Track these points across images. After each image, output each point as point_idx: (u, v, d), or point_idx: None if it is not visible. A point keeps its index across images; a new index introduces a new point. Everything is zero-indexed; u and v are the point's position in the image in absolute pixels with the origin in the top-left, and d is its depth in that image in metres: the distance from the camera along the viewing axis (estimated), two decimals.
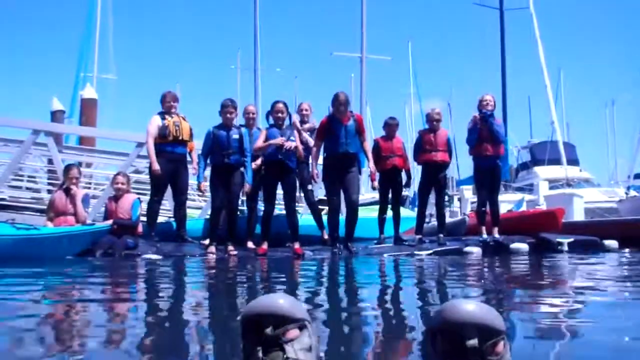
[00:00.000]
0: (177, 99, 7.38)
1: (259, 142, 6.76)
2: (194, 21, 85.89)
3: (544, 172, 20.24)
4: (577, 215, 12.01)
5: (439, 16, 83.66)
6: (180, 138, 7.17)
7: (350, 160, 6.85)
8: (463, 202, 16.64)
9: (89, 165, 12.06)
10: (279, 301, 1.08)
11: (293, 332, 1.07)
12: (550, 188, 16.75)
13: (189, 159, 7.51)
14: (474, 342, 0.98)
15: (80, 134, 13.31)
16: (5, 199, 9.55)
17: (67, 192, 6.74)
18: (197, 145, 7.47)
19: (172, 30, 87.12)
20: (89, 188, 11.12)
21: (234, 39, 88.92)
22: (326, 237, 7.42)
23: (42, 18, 69.66)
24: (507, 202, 13.18)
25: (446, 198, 20.40)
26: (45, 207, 8.55)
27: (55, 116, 13.28)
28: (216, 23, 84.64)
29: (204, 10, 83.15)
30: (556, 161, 18.32)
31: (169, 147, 7.12)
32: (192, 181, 8.45)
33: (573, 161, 21.00)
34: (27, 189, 11.12)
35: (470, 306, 1.02)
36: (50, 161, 9.88)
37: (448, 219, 10.84)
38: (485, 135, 7.47)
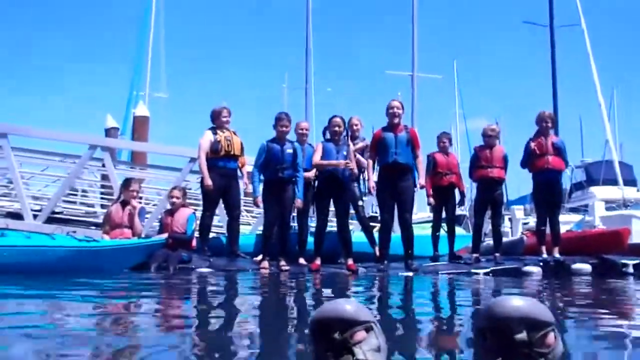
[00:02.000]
0: (231, 113, 7.41)
1: (317, 157, 6.72)
2: (244, 38, 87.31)
3: (600, 192, 19.59)
4: (637, 237, 11.54)
5: (489, 35, 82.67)
6: (232, 153, 7.19)
7: (401, 172, 6.72)
8: (514, 222, 16.16)
9: (141, 181, 12.24)
10: (345, 306, 1.11)
11: (360, 334, 1.09)
12: (607, 209, 16.18)
13: (239, 174, 7.52)
14: (522, 335, 0.98)
15: (135, 149, 13.56)
16: (62, 212, 9.75)
17: (124, 205, 6.82)
18: (249, 160, 7.48)
19: (222, 48, 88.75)
20: (140, 203, 11.28)
21: (285, 57, 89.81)
22: (378, 252, 7.29)
23: (97, 38, 72.03)
24: (563, 223, 12.78)
25: None
26: (98, 220, 8.74)
27: (110, 133, 13.58)
28: (267, 41, 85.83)
29: (255, 28, 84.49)
30: (612, 181, 17.70)
31: (221, 162, 7.14)
32: (244, 198, 8.46)
33: (630, 181, 20.26)
34: (81, 203, 11.36)
35: (516, 301, 1.02)
36: (103, 176, 10.07)
37: (507, 238, 10.58)
38: (546, 148, 7.24)
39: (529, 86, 61.64)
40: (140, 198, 11.49)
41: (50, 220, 8.75)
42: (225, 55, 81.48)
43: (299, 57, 20.65)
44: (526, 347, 0.98)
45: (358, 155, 7.23)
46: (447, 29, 76.29)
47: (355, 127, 7.60)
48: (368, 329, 1.10)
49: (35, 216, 8.73)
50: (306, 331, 2.56)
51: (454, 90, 36.72)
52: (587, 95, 17.56)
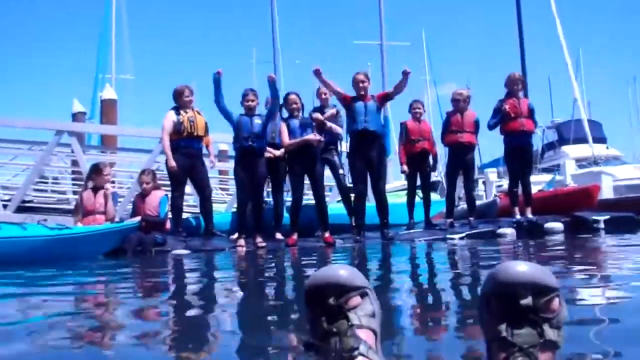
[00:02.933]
0: (193, 92, 7.30)
1: (285, 138, 6.72)
2: (209, 17, 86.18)
3: (571, 151, 19.85)
4: (607, 193, 11.78)
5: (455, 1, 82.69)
6: (195, 133, 7.12)
7: (371, 139, 6.74)
8: (488, 185, 16.37)
9: (112, 164, 12.08)
10: (339, 271, 1.10)
11: (355, 300, 1.08)
12: (578, 167, 16.44)
13: (205, 152, 7.49)
14: (527, 301, 0.98)
15: (103, 132, 13.37)
16: (32, 201, 9.60)
17: (95, 191, 6.72)
18: (215, 138, 7.43)
19: (187, 27, 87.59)
20: (113, 187, 11.16)
21: (251, 33, 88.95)
22: (354, 223, 7.33)
23: (59, 20, 70.43)
24: (534, 183, 12.95)
25: None
26: (70, 207, 8.61)
27: (77, 118, 13.34)
28: (232, 18, 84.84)
29: (219, 5, 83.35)
30: (583, 140, 17.95)
31: (184, 142, 7.07)
32: (215, 175, 8.41)
33: (600, 139, 20.53)
34: (53, 190, 11.19)
35: (521, 266, 1.01)
36: (73, 162, 9.91)
37: (477, 202, 10.70)
38: (520, 110, 7.27)
39: (498, 49, 62.05)
40: (113, 182, 11.37)
41: (20, 209, 8.61)
42: (191, 34, 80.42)
43: (266, 32, 20.40)
44: (531, 312, 0.98)
45: (331, 124, 7.21)
46: None
47: (324, 96, 7.56)
48: (363, 295, 1.10)
49: (5, 206, 8.57)
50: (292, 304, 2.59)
51: (423, 58, 36.67)
52: (555, 55, 17.61)
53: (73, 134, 8.98)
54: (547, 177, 16.16)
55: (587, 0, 77.73)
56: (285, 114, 7.02)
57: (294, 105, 6.83)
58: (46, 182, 11.53)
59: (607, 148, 19.52)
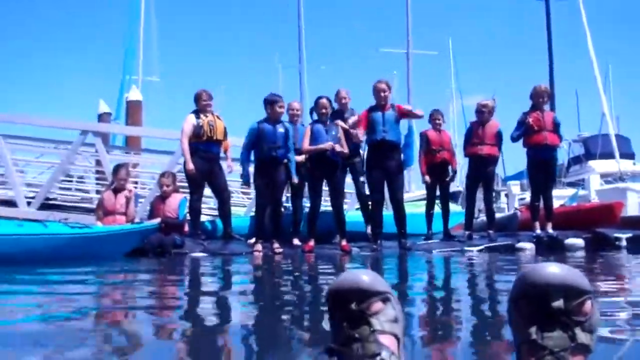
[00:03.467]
0: (212, 97, 7.37)
1: (305, 143, 6.72)
2: (236, 20, 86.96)
3: (597, 166, 19.57)
4: (632, 210, 11.58)
5: (483, 11, 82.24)
6: (215, 137, 7.17)
7: (389, 150, 6.70)
8: (510, 198, 16.24)
9: (135, 165, 12.24)
10: (361, 276, 1.10)
11: (377, 305, 1.08)
12: (605, 182, 16.19)
13: (222, 155, 7.54)
14: (559, 303, 0.96)
15: (127, 133, 13.54)
16: (56, 198, 9.75)
17: (116, 192, 6.81)
18: (234, 142, 7.48)
19: (214, 31, 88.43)
20: (136, 188, 11.30)
21: (278, 37, 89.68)
22: (369, 231, 7.35)
23: (88, 21, 71.68)
24: (557, 197, 12.78)
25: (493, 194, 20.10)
26: (93, 206, 8.73)
27: (102, 118, 13.52)
28: (259, 21, 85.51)
29: (246, 9, 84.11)
30: (610, 155, 17.68)
31: (203, 146, 7.12)
32: (234, 179, 8.47)
33: (628, 155, 20.20)
34: (77, 189, 11.37)
35: (553, 268, 0.99)
36: (98, 162, 10.05)
37: (498, 215, 10.59)
38: (544, 124, 7.17)
39: (526, 61, 61.47)
40: (136, 183, 11.52)
41: (44, 207, 8.75)
42: (217, 37, 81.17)
43: (292, 37, 20.51)
44: (563, 315, 0.96)
45: (352, 130, 7.20)
46: (442, 5, 75.95)
47: (343, 101, 7.56)
48: (385, 300, 1.10)
49: (29, 203, 8.72)
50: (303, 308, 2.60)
51: (449, 67, 36.50)
52: (583, 69, 17.38)
53: (97, 134, 9.11)
54: (572, 191, 15.95)
55: (619, 14, 76.52)
56: (315, 117, 6.99)
57: (324, 110, 6.80)
58: (71, 181, 11.72)
59: (634, 164, 19.19)
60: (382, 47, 26.61)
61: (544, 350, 0.94)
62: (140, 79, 22.67)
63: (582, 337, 0.96)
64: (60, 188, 10.74)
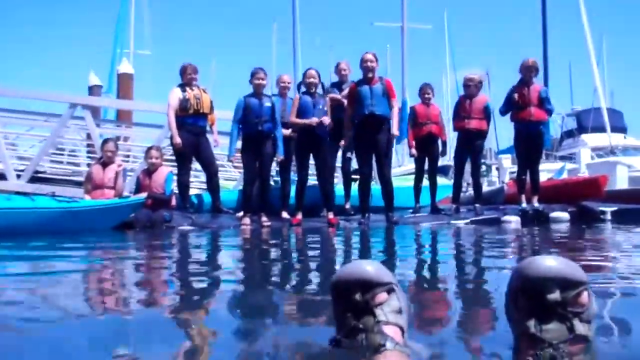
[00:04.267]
0: (197, 70, 7.34)
1: (292, 115, 6.72)
2: None
3: (590, 139, 19.62)
4: (621, 183, 11.65)
5: None
6: (201, 111, 7.16)
7: (377, 123, 6.68)
8: (501, 171, 16.22)
9: (126, 139, 12.21)
10: (366, 267, 1.10)
11: (381, 296, 1.08)
12: (597, 156, 16.25)
13: (209, 129, 7.55)
14: (555, 295, 0.97)
15: (116, 106, 13.50)
16: (45, 172, 9.75)
17: (104, 165, 6.82)
18: (224, 115, 7.47)
19: (207, 4, 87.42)
20: (127, 162, 11.30)
21: (271, 10, 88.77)
22: (347, 206, 7.53)
23: None
24: (548, 170, 12.85)
25: (483, 167, 20.15)
26: (83, 180, 8.74)
27: (93, 91, 13.51)
28: None
29: None
30: (602, 128, 17.70)
31: (190, 119, 7.14)
32: (222, 152, 8.48)
33: (621, 128, 20.24)
34: (68, 162, 11.35)
35: (548, 260, 1.00)
36: (89, 135, 10.03)
37: (486, 188, 10.65)
38: (529, 99, 7.20)
39: (520, 34, 61.10)
40: (127, 157, 11.51)
41: (33, 180, 8.76)
42: (211, 10, 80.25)
43: (287, 11, 20.28)
44: (560, 307, 0.97)
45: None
46: None
47: (343, 72, 7.56)
48: (389, 291, 1.09)
49: (18, 176, 8.73)
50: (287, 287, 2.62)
51: (444, 41, 36.21)
52: (577, 41, 17.25)
53: (87, 107, 9.07)
54: (560, 165, 16.01)
55: None
56: (303, 89, 6.96)
57: (312, 80, 6.76)
58: (62, 154, 11.70)
59: (625, 137, 19.24)
60: (376, 21, 26.36)
61: (543, 343, 0.95)
62: (132, 52, 22.51)
63: (580, 328, 0.96)
64: (51, 161, 10.75)
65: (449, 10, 38.53)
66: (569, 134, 22.95)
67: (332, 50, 40.65)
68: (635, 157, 16.12)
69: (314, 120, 6.60)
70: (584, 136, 20.61)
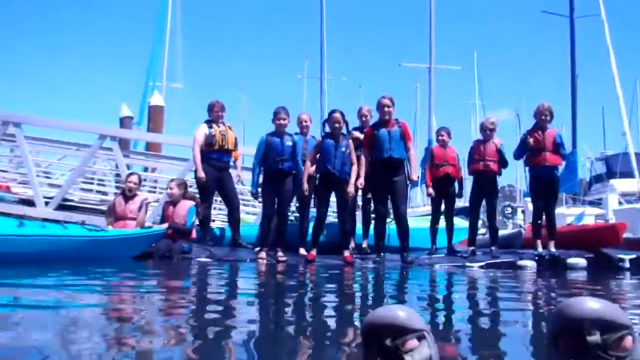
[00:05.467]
0: (224, 108, 7.58)
1: (312, 157, 6.83)
2: (261, 31, 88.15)
3: (620, 185, 19.33)
4: None
5: (508, 25, 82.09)
6: (226, 147, 7.38)
7: (395, 167, 6.81)
8: (527, 214, 16.11)
9: (154, 170, 12.51)
10: (398, 312, 1.10)
11: (412, 343, 1.07)
12: (626, 202, 16.00)
13: (232, 165, 7.73)
14: (595, 337, 0.96)
15: (143, 139, 13.85)
16: (74, 200, 10.05)
17: (127, 197, 7.03)
18: (249, 151, 7.67)
19: (239, 40, 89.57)
20: (154, 192, 11.58)
21: (301, 48, 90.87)
22: (365, 245, 7.62)
23: (115, 28, 73.17)
24: (568, 215, 12.76)
25: (509, 210, 19.99)
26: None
27: (124, 122, 13.88)
28: (283, 32, 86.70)
29: (271, 20, 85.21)
30: (631, 174, 17.47)
31: (215, 155, 7.35)
32: (246, 187, 8.67)
33: None
34: (97, 191, 11.68)
35: (589, 302, 1.00)
36: (117, 166, 10.33)
37: (505, 232, 10.61)
38: (543, 144, 7.24)
39: (550, 76, 60.83)
40: (155, 188, 11.81)
41: (61, 207, 9.04)
42: (244, 46, 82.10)
43: (315, 47, 20.68)
44: (600, 349, 0.95)
45: None
46: (466, 20, 75.73)
47: (364, 118, 7.67)
48: (420, 338, 1.09)
49: (46, 203, 9.01)
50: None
51: (473, 82, 36.39)
52: (610, 85, 17.11)
53: (115, 138, 9.38)
54: (593, 210, 15.82)
55: None
56: (327, 129, 6.94)
57: (337, 125, 6.76)
58: (92, 183, 12.04)
59: None
60: (403, 62, 26.65)
61: None
62: (164, 85, 23.03)
63: None
64: (81, 189, 11.09)
65: (478, 52, 38.67)
66: (597, 178, 22.65)
67: (362, 88, 40.88)
68: None
69: (304, 188, 6.74)
70: (612, 181, 20.28)
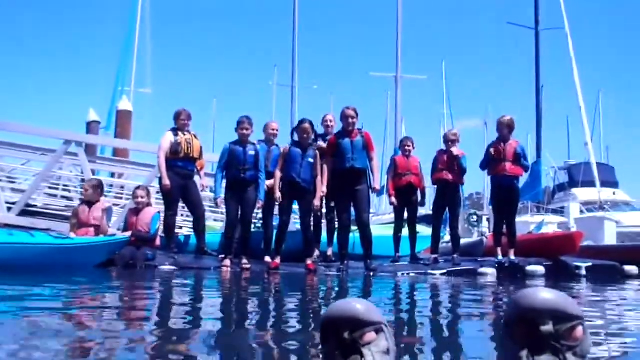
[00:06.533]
0: (190, 117, 7.58)
1: (279, 166, 6.89)
2: (232, 38, 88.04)
3: (581, 193, 19.80)
4: (609, 239, 11.74)
5: (476, 35, 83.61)
6: (191, 155, 7.40)
7: (357, 176, 6.89)
8: (492, 222, 16.40)
9: (121, 175, 12.42)
10: (356, 305, 1.10)
11: (370, 336, 1.08)
12: (587, 210, 16.39)
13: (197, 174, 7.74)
14: (548, 327, 0.98)
15: (108, 145, 13.71)
16: (37, 205, 9.91)
17: (90, 204, 6.98)
18: (213, 158, 7.69)
19: (209, 47, 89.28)
20: (121, 198, 11.49)
21: (272, 55, 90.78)
22: (329, 252, 7.75)
23: (83, 32, 72.44)
24: (529, 223, 13.03)
25: (474, 218, 20.29)
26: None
27: (91, 127, 13.77)
28: (254, 39, 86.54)
29: (242, 26, 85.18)
30: (592, 183, 17.91)
31: (181, 163, 7.35)
32: (209, 193, 8.67)
33: (612, 183, 20.46)
34: (62, 197, 11.53)
35: (543, 293, 1.02)
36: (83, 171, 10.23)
37: (468, 240, 10.79)
38: (504, 154, 7.42)
39: (516, 86, 62.31)
40: (121, 194, 11.71)
41: (24, 213, 8.92)
42: (213, 53, 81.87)
43: (286, 54, 20.85)
44: (553, 339, 0.97)
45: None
46: (434, 30, 76.89)
47: (329, 124, 7.79)
48: (378, 331, 1.09)
49: (9, 209, 8.89)
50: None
51: (441, 91, 36.94)
52: (574, 96, 17.51)
53: (80, 144, 9.29)
54: (556, 218, 16.16)
55: (613, 42, 77.49)
56: (296, 138, 7.02)
57: (305, 135, 6.84)
58: (57, 189, 11.88)
59: (614, 193, 19.43)
60: (372, 71, 26.92)
61: None
62: (133, 90, 22.86)
63: None
64: (46, 195, 10.93)
65: (447, 61, 39.22)
66: (560, 187, 23.17)
67: (333, 94, 41.19)
68: (624, 212, 16.27)
69: (276, 196, 6.80)
70: (574, 190, 20.79)
